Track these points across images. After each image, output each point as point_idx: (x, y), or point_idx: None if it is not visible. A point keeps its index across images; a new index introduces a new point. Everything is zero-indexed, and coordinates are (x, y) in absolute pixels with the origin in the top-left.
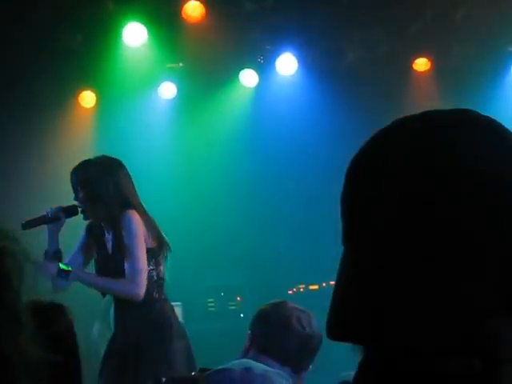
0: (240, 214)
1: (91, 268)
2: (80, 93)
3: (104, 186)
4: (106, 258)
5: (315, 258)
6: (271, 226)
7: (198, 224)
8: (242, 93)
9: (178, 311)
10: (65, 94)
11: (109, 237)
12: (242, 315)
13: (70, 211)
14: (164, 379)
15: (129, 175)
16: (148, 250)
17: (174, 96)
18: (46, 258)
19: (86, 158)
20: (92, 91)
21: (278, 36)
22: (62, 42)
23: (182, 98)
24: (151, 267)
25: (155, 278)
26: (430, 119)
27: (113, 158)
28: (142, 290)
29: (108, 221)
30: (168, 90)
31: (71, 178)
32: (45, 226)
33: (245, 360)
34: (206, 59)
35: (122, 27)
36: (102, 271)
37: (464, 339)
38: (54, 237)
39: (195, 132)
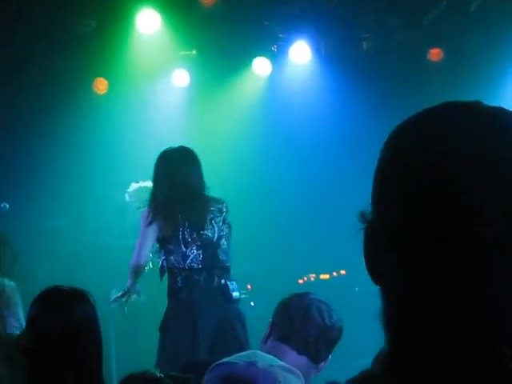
0: (251, 203)
1: None
2: (94, 80)
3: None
4: None
5: (326, 248)
6: (283, 216)
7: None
8: (255, 81)
9: None
10: (78, 81)
11: None
12: (252, 304)
13: None
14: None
15: None
16: None
17: (187, 83)
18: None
19: (97, 145)
20: (105, 78)
21: (292, 24)
22: (76, 28)
23: (196, 85)
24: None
25: None
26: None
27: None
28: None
29: None
30: (181, 78)
31: None
32: None
33: (252, 352)
34: (220, 47)
35: (136, 13)
36: None
37: (487, 333)
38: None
39: (208, 119)
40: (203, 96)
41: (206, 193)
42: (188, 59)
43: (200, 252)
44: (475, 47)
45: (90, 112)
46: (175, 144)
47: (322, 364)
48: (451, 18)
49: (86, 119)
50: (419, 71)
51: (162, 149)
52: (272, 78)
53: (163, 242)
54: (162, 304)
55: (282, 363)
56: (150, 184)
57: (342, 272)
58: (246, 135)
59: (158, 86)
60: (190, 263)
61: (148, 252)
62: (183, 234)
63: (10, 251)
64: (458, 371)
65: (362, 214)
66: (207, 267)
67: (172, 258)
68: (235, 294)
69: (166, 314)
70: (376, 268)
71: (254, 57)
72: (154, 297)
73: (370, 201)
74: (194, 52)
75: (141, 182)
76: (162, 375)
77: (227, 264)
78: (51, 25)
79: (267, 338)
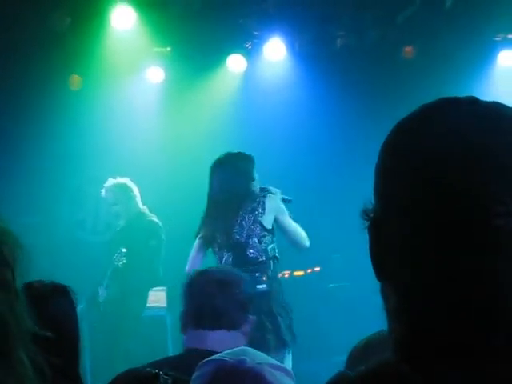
0: None
1: None
2: (68, 75)
3: None
4: None
5: None
6: None
7: (183, 208)
8: (229, 78)
9: (163, 296)
10: (53, 77)
11: None
12: None
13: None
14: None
15: None
16: None
17: (161, 80)
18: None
19: (72, 140)
20: (79, 74)
21: (266, 22)
22: (51, 24)
23: (170, 82)
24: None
25: None
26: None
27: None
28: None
29: None
30: (156, 75)
31: None
32: None
33: (242, 349)
34: (194, 44)
35: (111, 10)
36: None
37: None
38: None
39: (182, 116)
40: (178, 93)
41: (250, 191)
42: (163, 56)
43: (230, 254)
44: (449, 45)
45: (64, 108)
46: (149, 140)
47: (245, 326)
48: (426, 16)
49: (60, 115)
50: (393, 69)
51: (136, 144)
52: (246, 75)
53: (212, 248)
54: (135, 303)
55: (271, 361)
56: (126, 180)
57: (317, 269)
58: (220, 132)
59: (133, 83)
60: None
61: (199, 261)
62: (218, 238)
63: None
64: (471, 363)
65: (366, 212)
66: (238, 267)
67: (217, 261)
68: (259, 287)
69: None
70: (384, 262)
71: (229, 54)
72: (128, 296)
73: (374, 197)
74: (168, 49)
75: (118, 178)
76: (161, 373)
77: (261, 259)
78: (25, 20)
79: (184, 329)
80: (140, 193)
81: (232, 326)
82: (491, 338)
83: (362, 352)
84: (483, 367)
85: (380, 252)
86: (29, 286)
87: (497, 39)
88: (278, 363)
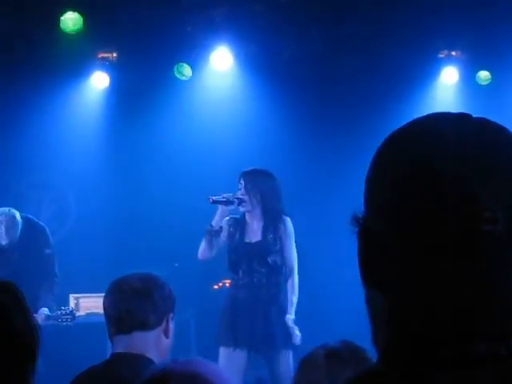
0: (169, 205)
1: None
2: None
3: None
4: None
5: None
6: (202, 219)
7: (125, 215)
8: (175, 86)
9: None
10: None
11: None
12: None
13: (240, 201)
14: None
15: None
16: None
17: (106, 86)
18: (210, 232)
19: (15, 144)
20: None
21: (214, 31)
22: None
23: (115, 89)
24: None
25: None
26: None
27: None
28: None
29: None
30: (100, 80)
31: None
32: None
33: (191, 359)
34: (141, 50)
35: (60, 15)
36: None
37: (493, 327)
38: (222, 216)
39: (126, 123)
40: (122, 100)
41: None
42: (108, 62)
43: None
44: (394, 60)
45: (5, 111)
46: (91, 145)
47: (164, 325)
48: (370, 31)
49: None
50: (337, 82)
51: (79, 150)
52: (192, 84)
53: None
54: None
55: (205, 362)
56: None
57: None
58: (166, 140)
59: (77, 87)
60: None
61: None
62: None
63: None
64: (459, 366)
65: (356, 218)
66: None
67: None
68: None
69: None
70: (374, 269)
71: (176, 62)
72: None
73: (364, 205)
74: (114, 55)
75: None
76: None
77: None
78: None
79: (109, 336)
80: (79, 197)
81: (146, 326)
82: (479, 343)
83: (303, 367)
84: (471, 370)
85: (369, 258)
86: None
87: (440, 56)
88: (221, 372)
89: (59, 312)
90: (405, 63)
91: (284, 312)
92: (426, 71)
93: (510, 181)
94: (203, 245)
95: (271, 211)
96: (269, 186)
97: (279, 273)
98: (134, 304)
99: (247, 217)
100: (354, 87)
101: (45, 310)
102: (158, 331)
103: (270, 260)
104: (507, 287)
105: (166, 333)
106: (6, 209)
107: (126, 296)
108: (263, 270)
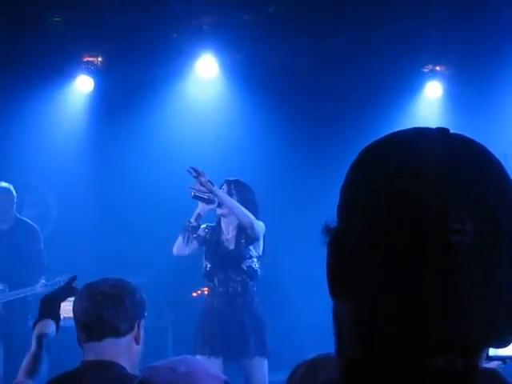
0: (151, 210)
1: None
2: None
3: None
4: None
5: None
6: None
7: (106, 220)
8: (159, 92)
9: None
10: None
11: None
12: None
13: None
14: None
15: None
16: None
17: (90, 90)
18: (187, 227)
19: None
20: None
21: (200, 39)
22: None
23: (99, 93)
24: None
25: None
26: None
27: None
28: (257, 227)
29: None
30: (85, 84)
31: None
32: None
33: (183, 357)
34: (126, 55)
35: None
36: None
37: (450, 341)
38: (202, 212)
39: (109, 129)
40: (107, 104)
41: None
42: (93, 66)
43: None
44: (378, 73)
45: None
46: (72, 150)
47: (135, 331)
48: (355, 44)
49: None
50: (323, 93)
51: (61, 152)
52: (177, 90)
53: None
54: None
55: (208, 370)
56: (10, 186)
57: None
58: (148, 145)
59: (61, 91)
60: None
61: None
62: None
63: None
64: (415, 380)
65: (327, 228)
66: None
67: None
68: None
69: None
70: (342, 280)
71: (162, 68)
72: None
73: (337, 215)
74: (99, 59)
75: (2, 183)
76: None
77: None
78: None
79: (79, 343)
80: (59, 201)
81: (118, 333)
82: (438, 356)
83: (305, 373)
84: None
85: (338, 269)
86: None
87: (425, 70)
88: (216, 373)
89: (56, 279)
90: (389, 76)
91: (259, 320)
92: (410, 85)
93: (480, 194)
94: (179, 240)
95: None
96: (248, 196)
97: (255, 278)
98: (105, 311)
99: (222, 224)
100: (338, 99)
101: (43, 281)
102: (129, 338)
103: (244, 267)
104: (473, 300)
105: (136, 339)
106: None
107: (96, 302)
108: (238, 278)
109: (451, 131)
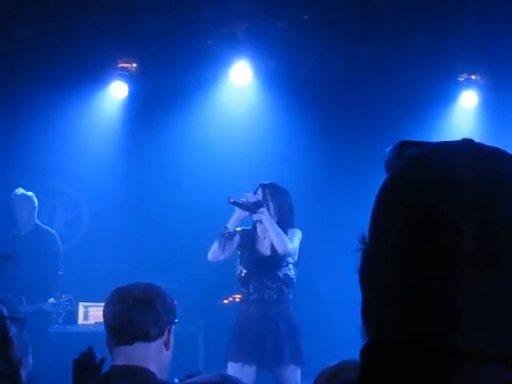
0: (184, 216)
1: None
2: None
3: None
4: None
5: None
6: (214, 233)
7: (138, 225)
8: (193, 98)
9: None
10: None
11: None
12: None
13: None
14: None
15: None
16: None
17: (125, 96)
18: (223, 234)
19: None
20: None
21: (234, 45)
22: (17, 32)
23: (134, 99)
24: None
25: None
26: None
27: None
28: (291, 251)
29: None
30: (119, 90)
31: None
32: None
33: (218, 374)
34: (161, 62)
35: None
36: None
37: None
38: (238, 219)
39: (144, 135)
40: (141, 110)
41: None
42: (128, 72)
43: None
44: (413, 82)
45: (28, 116)
46: (105, 156)
47: (165, 337)
48: (391, 51)
49: (22, 124)
50: (356, 102)
51: (96, 158)
52: (211, 97)
53: None
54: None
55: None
56: (31, 194)
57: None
58: (181, 152)
59: (95, 97)
60: None
61: None
62: None
63: None
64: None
65: (363, 237)
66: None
67: None
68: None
69: None
70: (367, 278)
71: (195, 74)
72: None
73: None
74: (134, 65)
75: (23, 190)
76: None
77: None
78: None
79: (109, 347)
80: (92, 206)
81: (148, 337)
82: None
83: (330, 378)
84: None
85: (366, 270)
86: None
87: (460, 79)
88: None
89: (60, 299)
90: (424, 85)
91: (294, 328)
92: (445, 94)
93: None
94: (215, 246)
95: (284, 224)
96: (285, 200)
97: (291, 285)
98: (136, 315)
99: (258, 229)
100: (371, 107)
101: (52, 300)
102: (159, 343)
103: (281, 274)
104: (477, 301)
105: (166, 345)
106: (21, 191)
107: (127, 306)
108: (274, 285)
109: (479, 141)
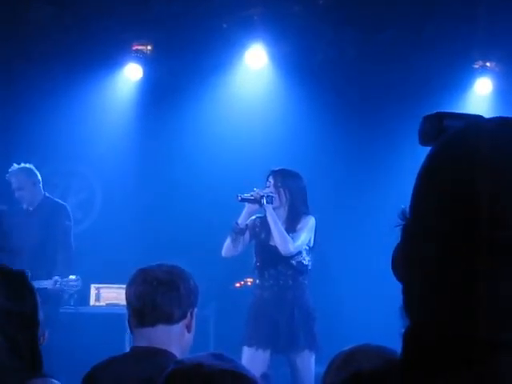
0: (196, 199)
1: None
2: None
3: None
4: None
5: None
6: (229, 215)
7: (150, 208)
8: (208, 82)
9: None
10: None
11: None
12: None
13: (269, 199)
14: None
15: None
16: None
17: (139, 78)
18: (235, 229)
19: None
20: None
21: (250, 29)
22: (31, 14)
23: (148, 81)
24: (310, 259)
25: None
26: None
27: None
28: (294, 251)
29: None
30: (134, 72)
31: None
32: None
33: (213, 353)
34: (176, 45)
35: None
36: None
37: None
38: (249, 214)
39: (158, 117)
40: (155, 93)
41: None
42: (143, 54)
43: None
44: (428, 69)
45: (39, 100)
46: (119, 138)
47: (187, 320)
48: (405, 38)
49: (34, 107)
50: (370, 88)
51: (110, 141)
52: (226, 80)
53: None
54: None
55: (234, 367)
56: (31, 166)
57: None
58: (195, 135)
59: (110, 78)
60: None
61: None
62: None
63: None
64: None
65: (403, 213)
66: None
67: None
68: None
69: None
70: (407, 260)
71: (210, 58)
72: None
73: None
74: (149, 47)
75: (22, 164)
76: None
77: None
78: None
79: (130, 328)
80: (105, 188)
81: (171, 319)
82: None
83: (343, 365)
84: (471, 369)
85: (405, 248)
86: None
87: (475, 66)
88: (242, 369)
89: (67, 279)
90: (439, 72)
91: (309, 314)
92: (460, 81)
93: None
94: (228, 242)
95: (296, 211)
96: (297, 185)
97: (305, 272)
98: (160, 297)
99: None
100: (386, 93)
101: (57, 278)
102: (181, 325)
103: (294, 262)
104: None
105: (188, 327)
106: (16, 167)
107: (151, 288)
108: (289, 272)
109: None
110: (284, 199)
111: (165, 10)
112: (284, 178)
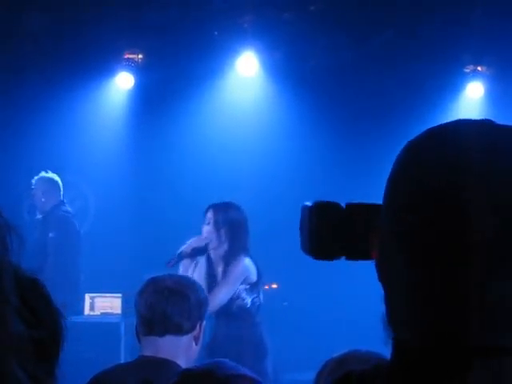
0: (189, 208)
1: None
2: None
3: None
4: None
5: (259, 261)
6: None
7: (143, 216)
8: (199, 90)
9: (118, 303)
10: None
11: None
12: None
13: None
14: None
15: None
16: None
17: (131, 87)
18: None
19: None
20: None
21: (241, 36)
22: (29, 22)
23: (140, 90)
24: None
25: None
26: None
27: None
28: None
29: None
30: (125, 81)
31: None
32: None
33: (216, 361)
34: (167, 53)
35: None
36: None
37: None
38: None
39: (149, 125)
40: (146, 101)
41: None
42: (134, 63)
43: None
44: (420, 72)
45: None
46: (111, 147)
47: (196, 331)
48: (398, 42)
49: (33, 114)
50: (364, 92)
51: (97, 150)
52: (217, 88)
53: None
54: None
55: (243, 373)
56: (54, 175)
57: (274, 286)
58: (187, 143)
59: (101, 87)
60: None
61: None
62: None
63: None
64: (444, 366)
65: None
66: None
67: None
68: None
69: None
70: (384, 270)
71: (201, 65)
72: None
73: (382, 207)
74: (140, 56)
75: (50, 173)
76: None
77: None
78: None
79: (138, 337)
80: (98, 198)
81: (180, 330)
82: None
83: (336, 369)
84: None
85: (381, 257)
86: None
87: (466, 70)
88: (251, 376)
89: None
90: (430, 76)
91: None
92: (452, 85)
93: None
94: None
95: (235, 249)
96: (237, 219)
97: (251, 313)
98: (170, 307)
99: (212, 255)
100: (378, 98)
101: None
102: (189, 337)
103: (234, 307)
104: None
105: (196, 339)
106: (44, 174)
107: (162, 297)
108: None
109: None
110: (223, 238)
111: (156, 18)
112: (225, 212)
